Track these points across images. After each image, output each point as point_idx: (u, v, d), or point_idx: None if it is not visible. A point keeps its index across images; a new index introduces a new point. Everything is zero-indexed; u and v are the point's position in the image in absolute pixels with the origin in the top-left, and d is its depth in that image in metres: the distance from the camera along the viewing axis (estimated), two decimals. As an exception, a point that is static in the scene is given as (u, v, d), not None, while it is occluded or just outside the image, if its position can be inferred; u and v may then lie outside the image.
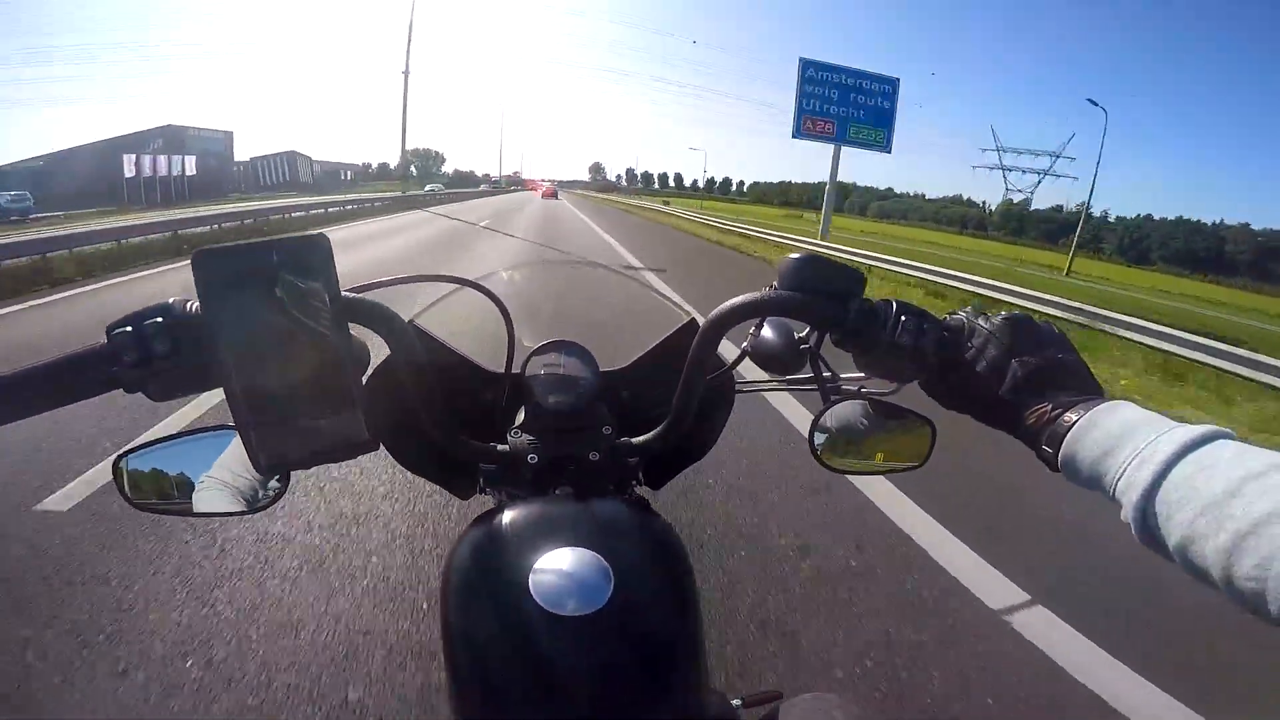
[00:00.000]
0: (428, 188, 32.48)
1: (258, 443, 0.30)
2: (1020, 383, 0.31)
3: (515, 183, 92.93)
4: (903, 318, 0.34)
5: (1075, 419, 0.29)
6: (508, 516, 0.37)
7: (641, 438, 0.43)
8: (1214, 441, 0.25)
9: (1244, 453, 0.24)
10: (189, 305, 0.31)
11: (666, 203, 38.40)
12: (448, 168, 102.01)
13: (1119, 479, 0.26)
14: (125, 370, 0.30)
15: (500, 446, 0.43)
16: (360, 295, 0.34)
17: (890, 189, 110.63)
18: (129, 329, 0.30)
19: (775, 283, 0.35)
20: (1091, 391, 0.31)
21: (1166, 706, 1.00)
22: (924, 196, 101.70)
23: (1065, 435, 0.29)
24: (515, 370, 0.46)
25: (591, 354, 0.47)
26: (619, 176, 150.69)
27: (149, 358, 0.30)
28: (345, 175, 53.17)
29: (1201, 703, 0.99)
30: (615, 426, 0.44)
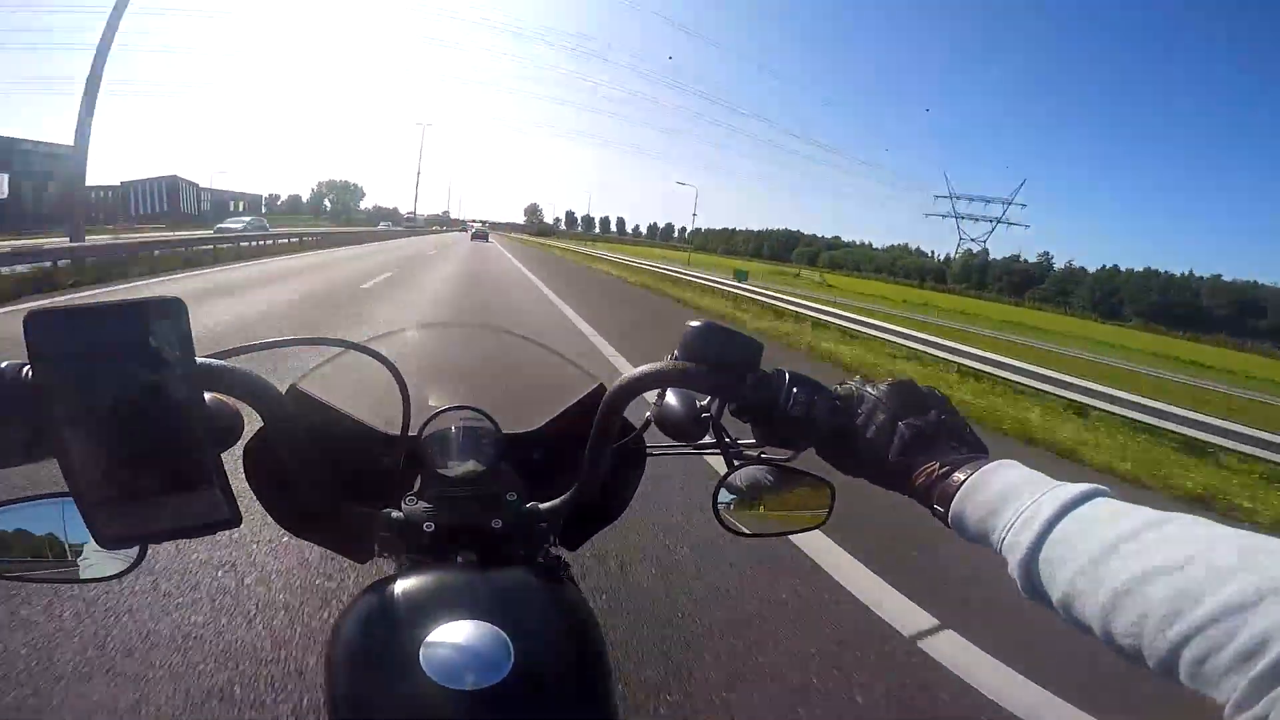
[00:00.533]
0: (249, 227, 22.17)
1: (96, 517, 0.29)
2: (908, 444, 0.35)
3: (443, 222, 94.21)
4: (794, 389, 0.37)
5: (962, 479, 0.32)
6: (400, 586, 0.38)
7: (550, 504, 0.46)
8: (1092, 500, 0.28)
9: (1119, 512, 0.27)
10: (23, 370, 0.30)
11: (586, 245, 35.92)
12: (367, 203, 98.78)
13: (1004, 537, 0.30)
14: None
15: (395, 513, 0.44)
16: (223, 362, 0.34)
17: (838, 237, 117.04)
18: None
19: (677, 350, 0.39)
20: (976, 449, 0.35)
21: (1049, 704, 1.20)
22: (870, 246, 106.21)
23: (954, 495, 0.32)
24: (413, 433, 0.47)
25: (492, 418, 0.48)
26: (557, 220, 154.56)
27: None
28: (237, 206, 49.02)
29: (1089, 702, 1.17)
30: (523, 491, 0.46)
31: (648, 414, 0.47)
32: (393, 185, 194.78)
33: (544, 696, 0.35)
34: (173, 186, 41.61)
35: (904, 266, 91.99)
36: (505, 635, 0.34)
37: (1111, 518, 0.27)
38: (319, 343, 0.45)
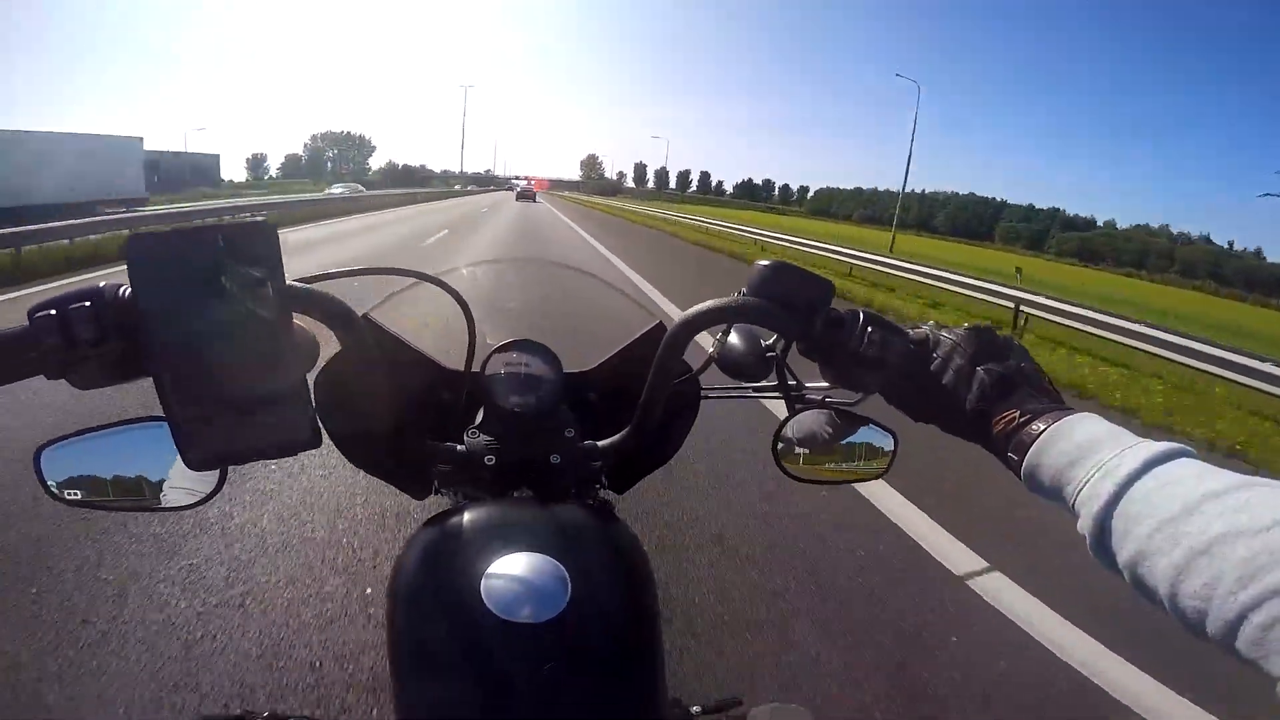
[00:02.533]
0: (334, 189, 29.23)
1: (188, 438, 0.38)
2: (987, 391, 0.42)
3: (483, 182, 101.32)
4: (869, 329, 0.45)
5: (1041, 428, 0.39)
6: (462, 519, 0.48)
7: (605, 441, 0.57)
8: (1178, 459, 0.34)
9: (1206, 472, 0.32)
10: (121, 290, 0.38)
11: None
12: (377, 159, 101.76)
13: (1080, 490, 0.35)
14: (47, 356, 0.37)
15: (457, 447, 0.55)
16: (308, 286, 0.43)
17: (1058, 209, 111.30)
18: (53, 312, 0.37)
19: (744, 288, 0.47)
20: (1055, 400, 0.42)
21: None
22: (1113, 225, 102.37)
23: (1031, 445, 0.39)
24: (475, 369, 0.60)
25: (555, 354, 0.60)
26: (621, 175, 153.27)
27: (73, 343, 0.37)
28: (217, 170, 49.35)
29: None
30: (578, 429, 0.58)
31: (710, 352, 0.59)
32: (426, 140, 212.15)
33: (597, 631, 0.44)
34: (113, 149, 42.70)
35: (1195, 262, 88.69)
36: (564, 569, 0.43)
37: (1197, 477, 0.32)
38: (396, 273, 0.57)
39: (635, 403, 0.55)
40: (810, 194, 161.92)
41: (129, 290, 0.38)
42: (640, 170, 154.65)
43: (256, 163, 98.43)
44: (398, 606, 0.46)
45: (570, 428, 0.58)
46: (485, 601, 0.41)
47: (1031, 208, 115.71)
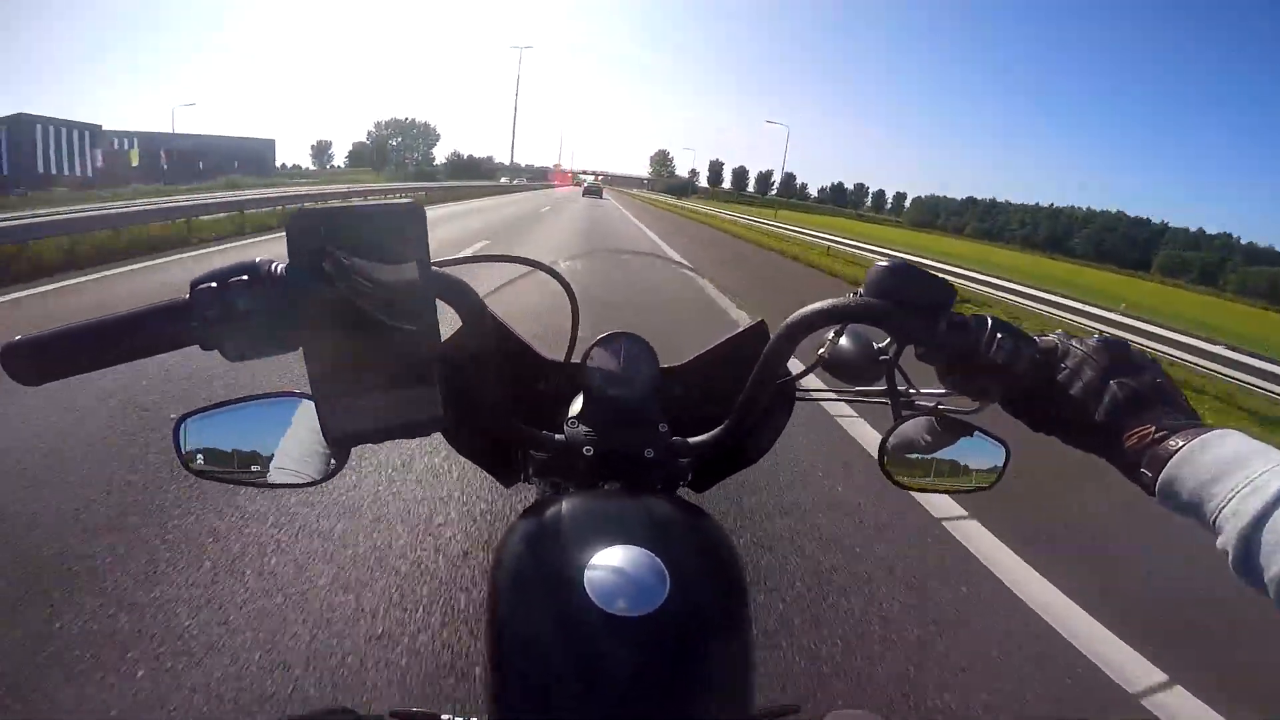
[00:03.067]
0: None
1: (331, 413, 0.43)
2: (1120, 404, 0.45)
3: (537, 176, 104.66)
4: (998, 335, 0.48)
5: (1181, 444, 0.41)
6: (562, 508, 0.52)
7: (697, 439, 0.61)
8: None
9: None
10: (275, 266, 0.43)
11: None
12: (442, 148, 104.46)
13: (1224, 505, 0.37)
14: (204, 326, 0.42)
15: (556, 436, 0.60)
16: (445, 271, 0.47)
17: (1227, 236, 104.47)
18: (213, 285, 0.42)
19: (859, 289, 0.50)
20: (1191, 417, 0.44)
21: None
22: None
23: (1169, 459, 0.41)
24: (575, 360, 0.66)
25: (653, 348, 0.66)
26: (694, 174, 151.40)
27: (230, 316, 0.42)
28: (233, 165, 45.95)
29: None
30: (670, 424, 0.62)
31: (820, 352, 0.61)
32: (478, 130, 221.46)
33: (694, 626, 0.46)
34: (84, 135, 40.70)
35: None
36: (662, 563, 0.46)
37: None
38: (520, 261, 0.65)
39: (725, 400, 0.60)
40: (908, 201, 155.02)
41: (283, 266, 0.43)
42: (716, 169, 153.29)
43: (320, 150, 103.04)
44: (500, 594, 0.50)
45: (663, 423, 0.63)
46: (588, 592, 0.44)
47: (1201, 233, 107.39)
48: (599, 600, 0.44)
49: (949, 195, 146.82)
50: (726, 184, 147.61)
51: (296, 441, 0.52)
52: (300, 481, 0.53)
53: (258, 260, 0.44)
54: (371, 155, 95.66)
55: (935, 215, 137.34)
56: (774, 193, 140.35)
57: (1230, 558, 0.37)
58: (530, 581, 0.49)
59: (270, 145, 63.19)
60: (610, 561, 0.46)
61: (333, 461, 0.53)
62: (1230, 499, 0.37)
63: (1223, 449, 0.39)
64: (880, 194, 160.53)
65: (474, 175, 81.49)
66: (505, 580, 0.50)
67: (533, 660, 0.46)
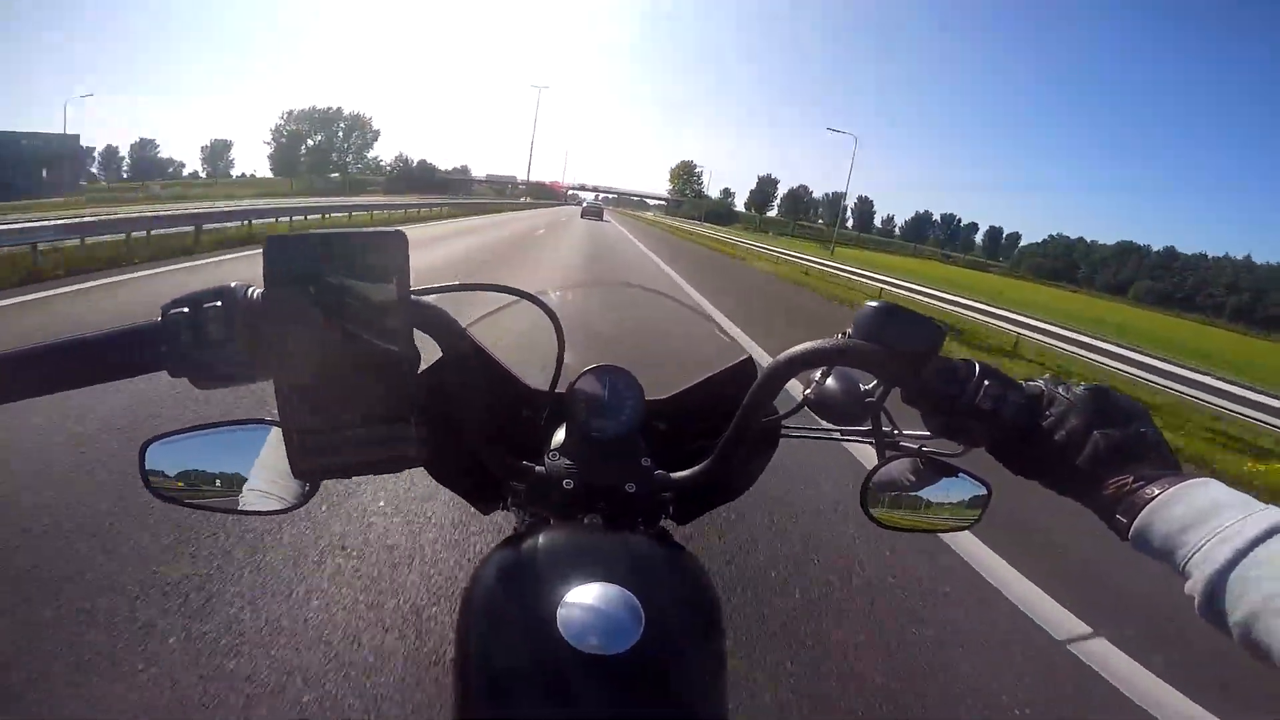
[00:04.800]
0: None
1: (301, 446, 0.54)
2: (1101, 454, 0.60)
3: (540, 196, 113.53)
4: (985, 382, 0.63)
5: (1157, 492, 0.56)
6: (537, 542, 0.66)
7: (680, 474, 0.78)
8: None
9: None
10: (251, 292, 0.56)
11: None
12: (384, 150, 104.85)
13: (1194, 553, 0.51)
14: (174, 352, 0.54)
15: (536, 467, 0.77)
16: (425, 300, 0.60)
17: None
18: (185, 309, 0.55)
19: (849, 330, 0.66)
20: (1171, 467, 0.59)
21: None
22: None
23: (1144, 506, 0.56)
24: (559, 390, 0.84)
25: (639, 382, 0.84)
26: (727, 192, 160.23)
27: (202, 342, 0.54)
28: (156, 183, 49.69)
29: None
30: (653, 458, 0.80)
31: (806, 393, 0.82)
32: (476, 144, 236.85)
33: (668, 666, 0.59)
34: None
35: None
36: (637, 601, 0.58)
37: None
38: (503, 290, 0.82)
39: (708, 434, 0.77)
40: (1021, 243, 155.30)
41: (259, 293, 0.55)
42: (766, 188, 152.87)
43: (216, 152, 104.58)
44: (471, 627, 0.63)
45: (646, 457, 0.81)
46: (561, 630, 0.56)
47: None
48: (571, 639, 0.55)
49: (1099, 239, 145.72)
50: (775, 211, 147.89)
51: (266, 469, 0.67)
52: (269, 509, 0.69)
53: (234, 285, 0.57)
54: (279, 157, 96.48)
55: (1069, 261, 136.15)
56: (849, 225, 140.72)
57: (1197, 603, 0.51)
58: (502, 618, 0.63)
59: (73, 145, 61.66)
60: (584, 599, 0.58)
61: (305, 489, 0.69)
62: (1201, 547, 0.51)
63: (1196, 499, 0.54)
64: (995, 233, 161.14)
65: (428, 188, 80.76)
66: (476, 616, 0.64)
67: (501, 699, 0.58)
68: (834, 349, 0.66)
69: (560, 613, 0.57)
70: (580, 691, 0.56)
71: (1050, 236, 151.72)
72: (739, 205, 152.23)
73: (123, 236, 11.02)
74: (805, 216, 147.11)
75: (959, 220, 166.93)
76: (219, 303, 0.55)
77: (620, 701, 0.56)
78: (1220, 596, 0.49)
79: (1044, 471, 0.63)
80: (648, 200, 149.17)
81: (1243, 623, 0.47)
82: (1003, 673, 2.50)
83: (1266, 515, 0.50)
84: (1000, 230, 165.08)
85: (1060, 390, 0.65)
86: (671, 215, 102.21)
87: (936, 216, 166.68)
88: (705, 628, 0.66)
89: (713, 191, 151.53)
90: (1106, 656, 2.66)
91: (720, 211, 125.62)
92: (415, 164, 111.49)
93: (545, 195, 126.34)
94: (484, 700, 0.59)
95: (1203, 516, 0.53)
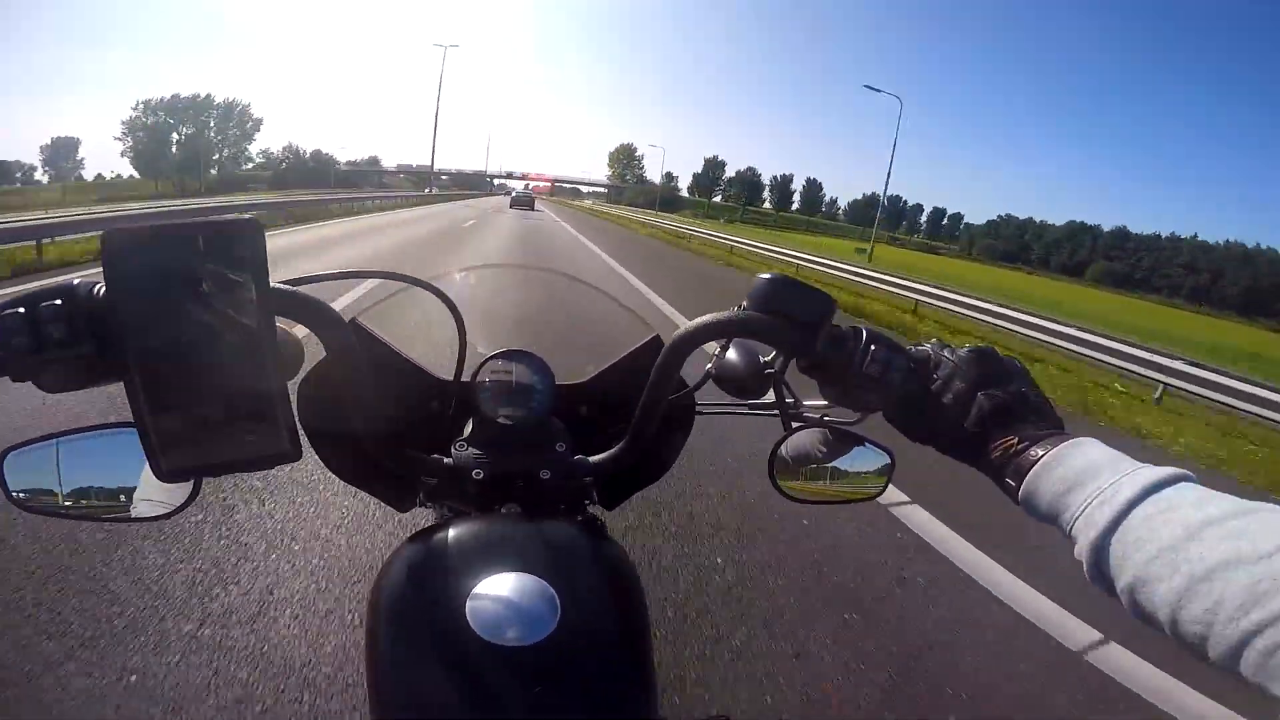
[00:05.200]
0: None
1: (159, 447, 0.55)
2: (986, 415, 0.65)
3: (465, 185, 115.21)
4: (872, 347, 0.68)
5: (1040, 454, 0.60)
6: (447, 535, 0.70)
7: (597, 457, 0.85)
8: (1176, 485, 0.53)
9: (1206, 498, 0.51)
10: (95, 289, 0.56)
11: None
12: (275, 141, 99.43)
13: (1078, 517, 0.55)
14: (13, 356, 0.54)
15: (444, 459, 0.82)
16: (294, 289, 0.63)
17: None
18: (21, 310, 0.54)
19: (745, 302, 0.71)
20: (1053, 426, 0.64)
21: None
22: None
23: (1029, 470, 0.60)
24: (465, 378, 0.90)
25: (548, 365, 0.91)
26: (670, 175, 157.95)
27: (42, 345, 0.54)
28: None
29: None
30: (570, 443, 0.86)
31: (708, 367, 0.87)
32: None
33: (588, 653, 0.63)
34: None
35: None
36: (553, 590, 0.62)
37: (1196, 503, 0.51)
38: (387, 276, 0.85)
39: (629, 417, 0.81)
40: (963, 224, 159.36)
41: (103, 289, 0.55)
42: (713, 171, 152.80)
43: (60, 150, 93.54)
44: (379, 626, 0.66)
45: (561, 441, 0.86)
46: (470, 624, 0.60)
47: None
48: (482, 631, 0.59)
49: (1039, 218, 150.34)
50: (719, 197, 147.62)
51: (140, 471, 0.66)
52: (149, 515, 0.69)
53: (76, 282, 0.57)
54: (138, 153, 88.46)
55: (1023, 245, 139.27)
56: (795, 207, 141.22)
57: (1084, 568, 0.55)
58: (410, 613, 0.66)
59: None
60: (496, 590, 0.62)
61: (183, 492, 0.69)
62: (1082, 511, 0.55)
63: (1076, 460, 0.59)
64: (938, 213, 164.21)
65: (329, 182, 76.92)
66: (385, 612, 0.67)
67: (414, 694, 0.61)
68: (729, 322, 0.72)
69: (470, 605, 0.61)
70: (494, 685, 0.59)
71: (999, 217, 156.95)
72: (683, 190, 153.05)
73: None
74: (753, 201, 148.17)
75: (904, 201, 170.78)
76: (58, 301, 0.55)
77: (538, 693, 0.59)
78: (1105, 561, 0.53)
79: (935, 436, 0.69)
80: (581, 188, 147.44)
81: (1128, 588, 0.51)
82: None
83: (1140, 475, 0.54)
84: (944, 211, 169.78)
85: (946, 353, 0.70)
86: (614, 203, 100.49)
87: (884, 200, 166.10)
88: (625, 612, 0.71)
89: (654, 177, 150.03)
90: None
91: (666, 198, 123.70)
92: (309, 155, 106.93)
93: (471, 185, 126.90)
94: (397, 699, 0.62)
95: (1081, 479, 0.57)
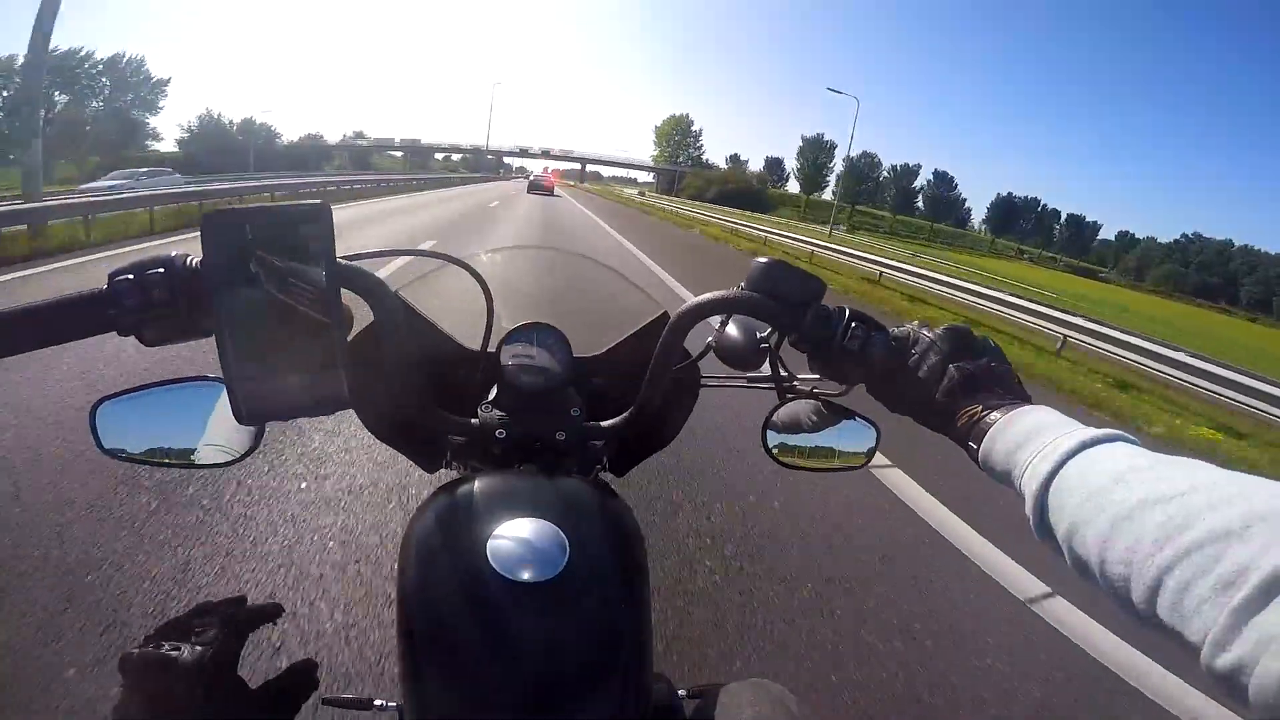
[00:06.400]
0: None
1: (242, 393, 0.81)
2: (955, 386, 0.86)
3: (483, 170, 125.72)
4: (853, 325, 0.94)
5: (999, 418, 0.79)
6: (473, 486, 0.98)
7: (608, 422, 1.20)
8: (1113, 442, 0.68)
9: (1137, 452, 0.66)
10: (190, 260, 0.85)
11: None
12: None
13: (1024, 473, 0.71)
14: (123, 314, 0.83)
15: (471, 420, 1.16)
16: (352, 263, 0.93)
17: None
18: (130, 276, 0.83)
19: (743, 283, 1.01)
20: (1019, 397, 0.85)
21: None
22: None
23: (986, 432, 0.79)
24: (491, 349, 1.27)
25: (567, 338, 1.26)
26: (737, 160, 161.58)
27: (148, 304, 0.83)
28: None
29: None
30: (584, 411, 1.21)
31: (709, 340, 1.26)
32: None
33: (592, 593, 0.87)
34: None
35: None
36: (563, 534, 0.87)
37: (1127, 455, 0.65)
38: (428, 255, 1.25)
39: (639, 388, 1.11)
40: (1150, 244, 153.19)
41: (197, 260, 0.83)
42: (818, 157, 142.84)
43: None
44: (409, 565, 0.91)
45: (576, 408, 1.19)
46: (491, 561, 0.82)
47: None
48: (500, 568, 0.81)
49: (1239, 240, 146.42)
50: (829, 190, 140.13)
51: (212, 422, 0.96)
52: (217, 461, 0.99)
53: (174, 254, 0.85)
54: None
55: (1227, 278, 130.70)
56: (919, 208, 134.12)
57: (1031, 523, 0.68)
58: (435, 552, 0.90)
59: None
60: (513, 533, 0.85)
61: (250, 439, 1.00)
62: (1028, 466, 0.70)
63: (1026, 422, 0.75)
64: (1075, 221, 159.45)
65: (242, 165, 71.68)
66: (412, 554, 0.92)
67: (438, 627, 0.83)
68: (727, 299, 0.99)
69: (490, 545, 0.84)
70: (511, 616, 0.81)
71: (1185, 237, 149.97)
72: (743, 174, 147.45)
73: None
74: (870, 198, 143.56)
75: (1043, 205, 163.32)
76: (161, 270, 0.82)
77: (548, 624, 0.82)
78: (1045, 512, 0.67)
79: (910, 405, 0.91)
80: (631, 174, 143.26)
81: (1065, 536, 0.64)
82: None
83: (1079, 433, 0.69)
84: (1079, 219, 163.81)
85: (924, 331, 0.92)
86: (663, 194, 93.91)
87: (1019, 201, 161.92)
88: (628, 561, 0.97)
89: (714, 159, 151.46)
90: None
91: (745, 191, 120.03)
92: (237, 126, 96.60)
93: (484, 168, 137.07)
94: (422, 627, 0.86)
95: (1029, 437, 0.73)
